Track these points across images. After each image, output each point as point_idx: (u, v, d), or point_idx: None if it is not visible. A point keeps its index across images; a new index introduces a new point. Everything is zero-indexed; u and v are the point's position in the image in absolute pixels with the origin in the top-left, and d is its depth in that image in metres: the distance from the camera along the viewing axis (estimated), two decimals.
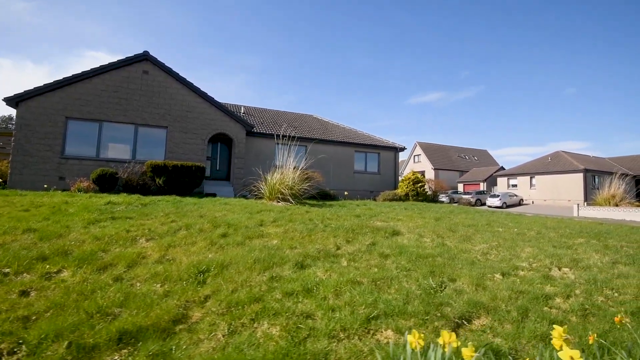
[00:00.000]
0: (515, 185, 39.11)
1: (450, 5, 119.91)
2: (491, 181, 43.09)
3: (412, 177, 18.09)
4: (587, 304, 3.03)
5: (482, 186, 43.53)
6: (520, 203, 35.23)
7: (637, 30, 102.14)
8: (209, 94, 15.11)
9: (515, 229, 7.76)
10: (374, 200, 17.08)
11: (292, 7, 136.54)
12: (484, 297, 3.04)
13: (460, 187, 46.61)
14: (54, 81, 13.31)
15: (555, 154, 38.47)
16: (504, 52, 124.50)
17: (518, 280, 3.58)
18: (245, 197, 12.82)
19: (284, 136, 16.90)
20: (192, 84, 14.65)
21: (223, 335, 2.32)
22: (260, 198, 11.27)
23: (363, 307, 2.66)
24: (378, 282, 3.27)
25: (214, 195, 12.77)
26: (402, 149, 20.77)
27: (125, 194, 10.57)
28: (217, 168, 16.49)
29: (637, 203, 35.91)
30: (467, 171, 50.49)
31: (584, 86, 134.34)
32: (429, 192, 19.66)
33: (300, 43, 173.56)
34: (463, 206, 17.06)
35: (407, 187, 17.92)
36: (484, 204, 34.74)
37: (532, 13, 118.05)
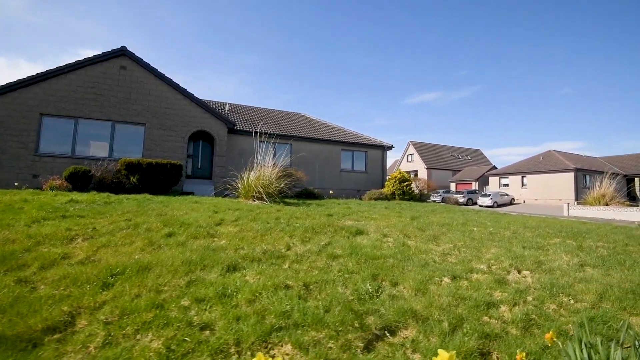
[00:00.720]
0: (507, 185, 39.07)
1: (449, 4, 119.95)
2: (483, 180, 43.03)
3: (399, 175, 17.86)
4: (534, 314, 2.77)
5: (474, 185, 43.46)
6: (511, 202, 35.18)
7: (636, 29, 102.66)
8: (198, 93, 14.79)
9: (491, 229, 7.53)
10: (360, 199, 16.83)
11: (292, 7, 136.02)
12: (419, 304, 2.77)
13: (453, 187, 46.51)
14: (28, 77, 12.91)
15: (547, 153, 38.46)
16: (503, 51, 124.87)
17: (466, 284, 3.32)
18: (225, 195, 12.51)
19: (265, 134, 16.64)
20: (172, 80, 14.31)
21: (95, 348, 2.05)
22: (238, 197, 10.98)
23: (273, 316, 2.39)
24: (311, 287, 3.00)
25: (191, 193, 12.45)
26: (390, 148, 20.54)
27: (95, 192, 10.23)
28: (199, 166, 16.15)
29: (629, 203, 36.08)
30: (460, 171, 50.42)
31: (581, 86, 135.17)
32: (416, 191, 19.43)
33: (300, 43, 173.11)
34: (449, 205, 16.86)
35: (394, 186, 17.68)
36: (475, 204, 34.67)
37: (531, 13, 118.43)
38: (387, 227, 6.59)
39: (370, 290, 2.93)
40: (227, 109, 19.29)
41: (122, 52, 13.86)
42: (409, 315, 2.53)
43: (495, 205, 33.15)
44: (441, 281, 3.35)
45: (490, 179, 40.90)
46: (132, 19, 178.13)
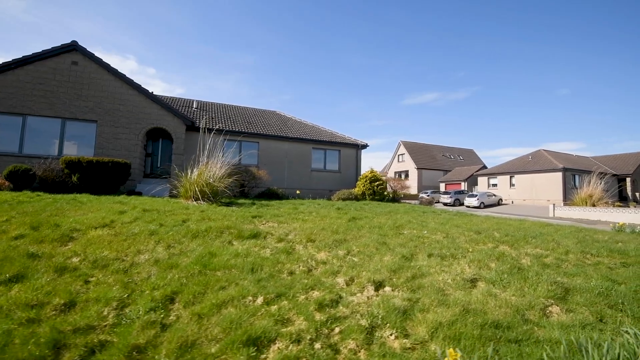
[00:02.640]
0: (495, 185, 38.45)
1: (448, 4, 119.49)
2: (472, 181, 42.41)
3: (370, 175, 17.28)
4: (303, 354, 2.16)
5: (464, 186, 42.83)
6: (499, 203, 34.56)
7: (636, 28, 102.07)
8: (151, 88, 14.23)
9: (425, 231, 6.96)
10: (329, 199, 16.26)
11: (291, 6, 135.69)
12: (177, 334, 2.20)
13: (442, 187, 45.91)
14: None
15: (536, 153, 37.82)
16: (502, 51, 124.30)
17: (286, 305, 2.71)
18: (172, 196, 11.94)
19: (229, 131, 16.08)
20: (125, 75, 13.76)
21: None
22: (179, 197, 10.42)
23: None
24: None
25: (139, 194, 11.88)
26: (365, 147, 19.97)
27: (29, 192, 9.69)
28: (158, 165, 15.59)
29: (619, 203, 35.42)
30: (451, 171, 49.82)
31: (580, 86, 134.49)
32: (389, 192, 18.84)
33: (299, 42, 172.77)
34: (418, 206, 16.24)
35: (364, 186, 17.11)
36: (462, 204, 34.05)
37: (530, 12, 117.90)
38: (302, 230, 6.02)
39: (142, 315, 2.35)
40: (194, 106, 18.75)
41: (73, 47, 13.32)
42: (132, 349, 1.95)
43: (482, 206, 32.56)
44: (254, 300, 2.77)
45: (479, 179, 40.29)
46: (130, 18, 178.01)
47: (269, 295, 2.85)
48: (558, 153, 38.64)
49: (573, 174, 33.38)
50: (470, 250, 5.47)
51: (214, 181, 9.95)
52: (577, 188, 31.65)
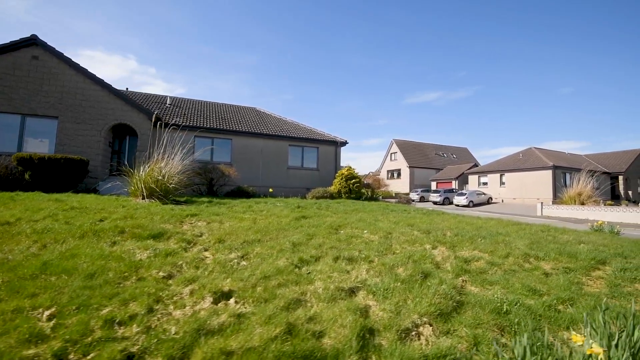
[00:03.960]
0: (485, 184, 38.02)
1: (448, 4, 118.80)
2: (463, 179, 41.97)
3: (346, 173, 16.89)
4: None
5: (454, 184, 42.41)
6: (488, 202, 34.15)
7: (635, 28, 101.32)
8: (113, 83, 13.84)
9: (366, 231, 6.59)
10: (304, 198, 15.88)
11: (292, 6, 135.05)
12: None
13: (434, 185, 45.50)
14: None
15: (527, 151, 37.36)
16: (503, 51, 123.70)
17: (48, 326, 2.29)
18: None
19: (199, 128, 15.70)
20: (88, 70, 13.37)
21: None
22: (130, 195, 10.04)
23: None
24: None
25: (95, 191, 11.52)
26: (344, 144, 19.57)
27: None
28: (125, 162, 15.19)
29: (610, 202, 35.00)
30: (443, 169, 49.42)
31: (582, 86, 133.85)
32: (367, 190, 18.45)
33: (300, 42, 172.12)
34: (394, 204, 15.81)
35: (340, 184, 16.72)
36: (452, 203, 33.65)
37: (531, 12, 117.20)
38: (225, 230, 5.66)
39: None
40: (168, 102, 18.36)
41: (33, 41, 12.92)
42: None
43: (471, 204, 32.17)
44: (43, 313, 2.37)
45: (470, 177, 39.85)
46: (130, 17, 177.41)
47: (68, 308, 2.45)
48: (550, 151, 38.18)
49: (563, 172, 32.92)
50: (398, 251, 5.10)
51: (163, 178, 9.57)
52: (567, 186, 31.24)
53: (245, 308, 2.70)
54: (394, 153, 51.97)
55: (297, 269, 3.66)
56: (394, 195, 43.58)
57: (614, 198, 39.32)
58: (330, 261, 4.06)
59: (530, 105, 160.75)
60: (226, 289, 2.96)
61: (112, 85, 13.78)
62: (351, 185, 16.57)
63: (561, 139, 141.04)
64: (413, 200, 38.58)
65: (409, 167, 47.89)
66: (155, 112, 13.90)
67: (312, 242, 5.08)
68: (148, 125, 14.18)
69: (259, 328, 2.38)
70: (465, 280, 4.07)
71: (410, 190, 43.83)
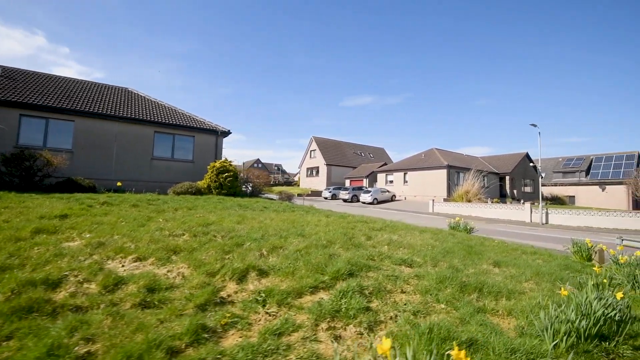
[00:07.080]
0: (392, 182, 39.63)
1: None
2: (373, 177, 43.34)
3: (218, 165, 15.09)
4: None
5: (365, 182, 43.56)
6: (392, 199, 35.48)
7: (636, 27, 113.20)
8: None
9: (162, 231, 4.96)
10: (166, 194, 13.65)
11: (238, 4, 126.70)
12: None
13: (348, 183, 46.27)
14: None
15: (429, 151, 39.85)
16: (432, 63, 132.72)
17: None
18: None
19: (24, 105, 12.53)
20: None
21: None
22: None
23: None
24: None
25: None
26: (227, 133, 17.73)
27: None
28: None
29: (497, 199, 38.90)
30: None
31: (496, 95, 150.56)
32: (247, 185, 16.93)
33: (246, 42, 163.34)
34: (265, 201, 14.54)
35: (210, 178, 14.89)
36: (359, 200, 34.16)
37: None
38: None
39: None
40: None
41: None
42: None
43: (375, 202, 32.96)
44: None
45: (378, 175, 41.24)
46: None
47: None
48: (448, 151, 41.22)
49: (457, 171, 35.61)
50: (134, 248, 3.57)
51: None
52: (459, 185, 33.85)
53: None
54: (313, 150, 51.68)
55: None
56: (309, 192, 43.07)
57: (502, 196, 44.21)
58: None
59: (453, 113, 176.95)
60: None
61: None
62: (223, 180, 14.82)
63: (483, 145, 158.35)
64: (325, 198, 38.45)
65: (327, 164, 47.97)
66: None
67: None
68: None
69: None
70: None
71: (327, 187, 43.80)
